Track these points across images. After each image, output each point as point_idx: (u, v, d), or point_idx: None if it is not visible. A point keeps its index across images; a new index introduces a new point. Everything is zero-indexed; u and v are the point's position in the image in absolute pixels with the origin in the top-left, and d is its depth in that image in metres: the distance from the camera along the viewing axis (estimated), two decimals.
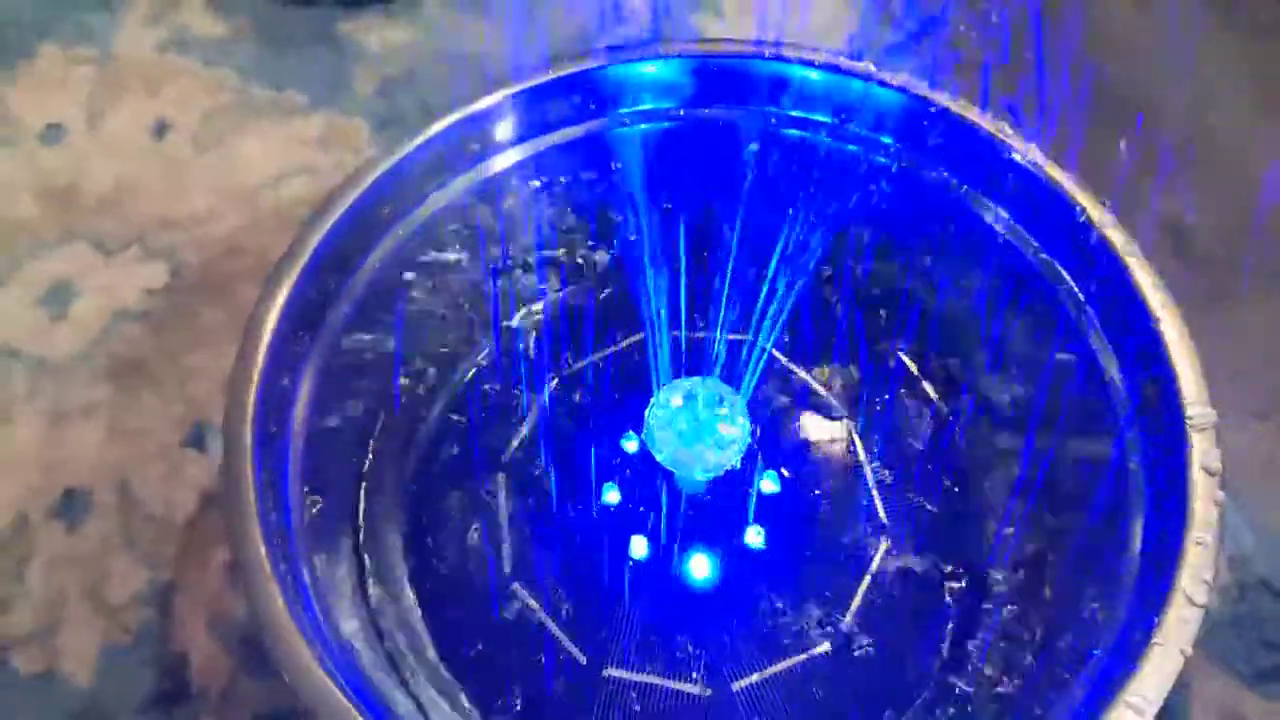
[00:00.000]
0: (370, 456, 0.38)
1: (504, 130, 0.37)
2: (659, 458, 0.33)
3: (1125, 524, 0.31)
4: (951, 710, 0.32)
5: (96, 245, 0.52)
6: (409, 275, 0.38)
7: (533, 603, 0.35)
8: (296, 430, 0.35)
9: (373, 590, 0.35)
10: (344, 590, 0.34)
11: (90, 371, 0.48)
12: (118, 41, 0.59)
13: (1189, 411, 0.29)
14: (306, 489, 0.35)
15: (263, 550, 0.29)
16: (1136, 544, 0.30)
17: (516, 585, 0.36)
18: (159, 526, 0.44)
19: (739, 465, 0.33)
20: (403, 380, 0.39)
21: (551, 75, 0.36)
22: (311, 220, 0.35)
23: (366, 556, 0.36)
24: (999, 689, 0.32)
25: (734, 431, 0.32)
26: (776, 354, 0.39)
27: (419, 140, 0.36)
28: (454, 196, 0.38)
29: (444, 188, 0.37)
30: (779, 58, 0.36)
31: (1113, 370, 0.32)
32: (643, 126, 0.38)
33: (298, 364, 0.35)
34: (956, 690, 0.33)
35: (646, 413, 0.33)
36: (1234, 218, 0.51)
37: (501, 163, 0.38)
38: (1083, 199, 0.32)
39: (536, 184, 0.39)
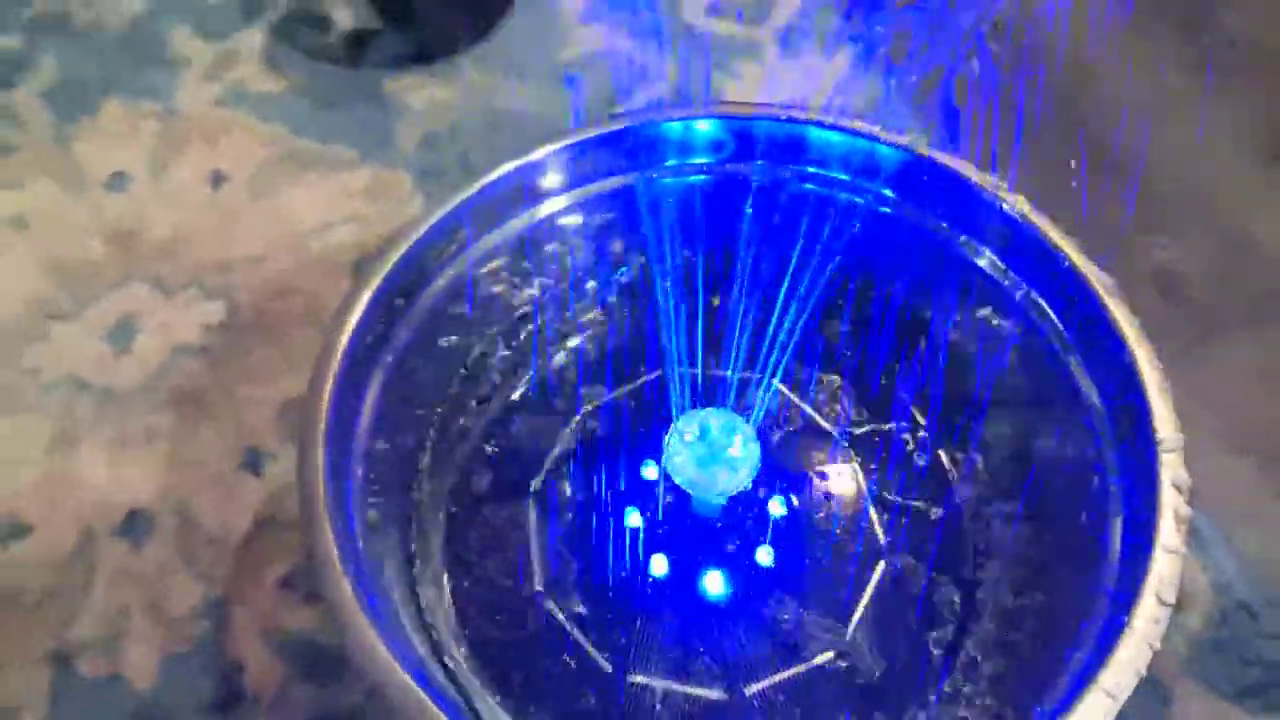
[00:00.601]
0: (418, 477, 0.41)
1: (547, 181, 0.41)
2: (677, 480, 0.36)
3: (1105, 538, 0.34)
4: (946, 712, 0.35)
5: (157, 285, 0.56)
6: (456, 311, 0.41)
7: (560, 614, 0.39)
8: (357, 449, 0.39)
9: (421, 593, 0.39)
10: (398, 592, 0.37)
11: (152, 402, 0.52)
12: (178, 97, 0.63)
13: (1160, 435, 0.32)
14: (366, 502, 0.38)
15: (334, 547, 0.32)
16: (1115, 556, 0.33)
17: (546, 599, 0.40)
18: (216, 546, 0.48)
19: (749, 487, 0.36)
20: (446, 409, 0.42)
21: (590, 133, 0.40)
22: (375, 257, 0.39)
23: (417, 563, 0.39)
24: (991, 690, 0.35)
25: (745, 456, 0.36)
26: (783, 389, 0.42)
27: (474, 188, 0.39)
28: (499, 242, 0.41)
29: (491, 233, 0.41)
30: (793, 120, 0.40)
31: (1094, 399, 0.35)
32: (668, 180, 0.42)
33: (360, 388, 0.39)
34: (950, 693, 0.36)
35: (665, 440, 0.37)
36: (1220, 263, 0.55)
37: (542, 211, 0.42)
38: (1065, 245, 0.36)
39: (573, 231, 0.42)
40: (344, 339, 0.37)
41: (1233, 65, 0.60)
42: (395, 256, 0.38)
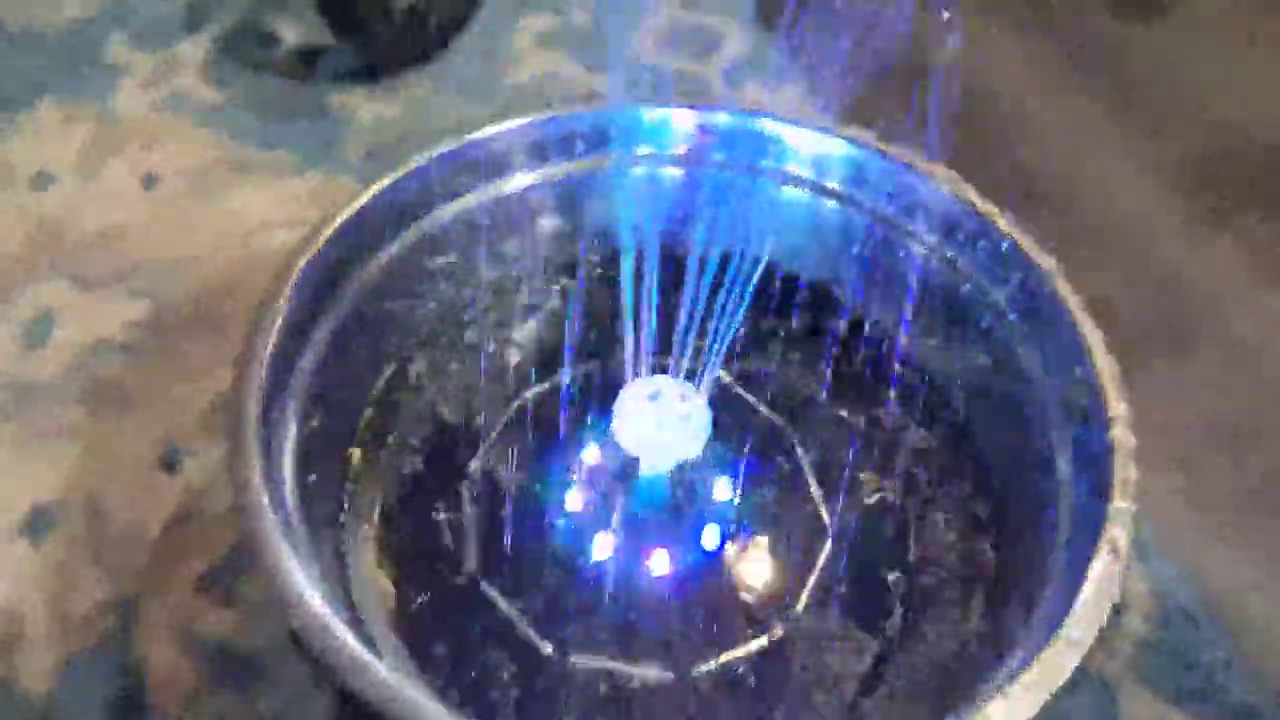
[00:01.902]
0: (351, 459, 0.40)
1: (487, 165, 0.41)
2: (625, 445, 0.35)
3: (1054, 515, 0.34)
4: (898, 682, 0.35)
5: (79, 282, 0.54)
6: (395, 291, 0.40)
7: (498, 598, 0.37)
8: (289, 425, 0.37)
9: (352, 578, 0.37)
10: (326, 579, 0.35)
11: (67, 397, 0.49)
12: (114, 101, 0.62)
13: (1111, 412, 0.33)
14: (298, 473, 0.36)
15: (265, 497, 0.31)
16: (1063, 536, 0.33)
17: (482, 582, 0.38)
18: (127, 544, 0.45)
19: (698, 454, 0.35)
20: (382, 390, 0.41)
21: (542, 115, 0.40)
22: (306, 239, 0.38)
23: (348, 550, 0.38)
24: (935, 673, 0.34)
25: (695, 417, 0.35)
26: (726, 376, 0.42)
27: (413, 165, 0.39)
28: (439, 224, 0.41)
29: (431, 213, 0.40)
30: (763, 114, 0.40)
31: (1042, 379, 0.36)
32: (617, 171, 0.42)
33: (290, 366, 0.37)
34: (903, 665, 0.35)
35: (615, 404, 0.36)
36: (1147, 294, 0.56)
37: (487, 194, 0.41)
38: (1011, 231, 0.37)
39: (516, 217, 0.42)
40: (274, 316, 0.36)
41: (1151, 105, 0.63)
42: (332, 227, 0.37)
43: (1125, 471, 0.31)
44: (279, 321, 0.36)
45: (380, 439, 0.41)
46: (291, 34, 0.66)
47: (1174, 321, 0.55)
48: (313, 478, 0.37)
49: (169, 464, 0.48)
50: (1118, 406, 0.32)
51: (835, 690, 0.35)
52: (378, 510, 0.40)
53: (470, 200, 0.41)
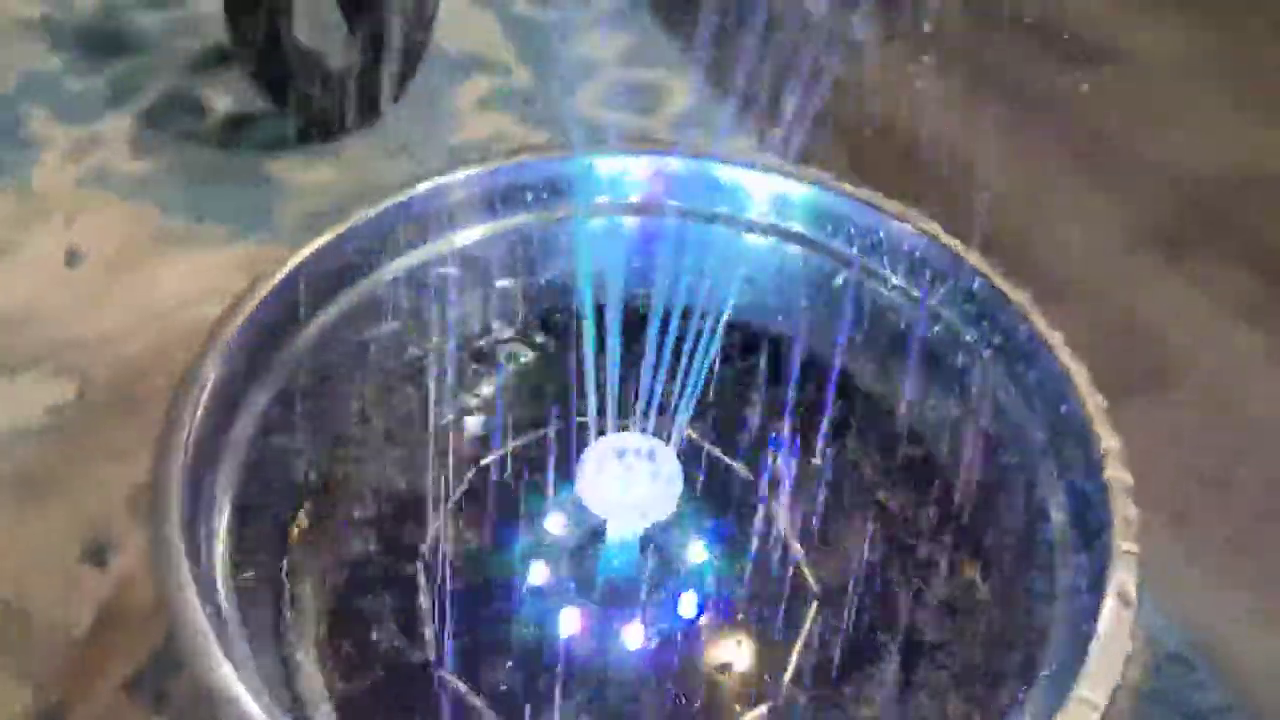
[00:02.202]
0: (289, 546, 0.37)
1: (434, 218, 0.39)
2: (592, 506, 0.33)
3: (1052, 568, 0.32)
4: None
5: None
6: (330, 361, 0.38)
7: (460, 685, 0.34)
8: (217, 517, 0.34)
9: (295, 677, 0.34)
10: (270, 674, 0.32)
11: None
12: (34, 176, 0.59)
13: (1103, 445, 0.31)
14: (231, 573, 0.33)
15: (191, 594, 0.28)
16: (1061, 583, 0.31)
17: (443, 673, 0.35)
18: (50, 645, 0.41)
19: (671, 513, 0.33)
20: (319, 472, 0.38)
21: (487, 166, 0.38)
22: (231, 307, 0.35)
23: (290, 643, 0.34)
24: None
25: (666, 474, 0.33)
26: (694, 435, 0.40)
27: (352, 221, 0.37)
28: (384, 282, 0.38)
29: (375, 272, 0.38)
30: (720, 158, 0.39)
31: (1029, 423, 0.34)
32: (571, 222, 0.40)
33: (217, 451, 0.35)
34: None
35: (579, 465, 0.33)
36: (1114, 341, 0.56)
37: (435, 250, 0.39)
38: (981, 266, 0.36)
39: (463, 275, 0.40)
40: (195, 392, 0.33)
41: (1102, 152, 0.63)
42: (261, 293, 0.35)
43: (1125, 510, 0.29)
44: (201, 398, 0.33)
45: (323, 518, 0.38)
46: (222, 103, 0.64)
47: (1144, 366, 0.54)
48: (247, 569, 0.34)
49: (96, 555, 0.44)
50: (1110, 442, 0.31)
51: None
52: (322, 596, 0.37)
53: (415, 257, 0.38)
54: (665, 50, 0.67)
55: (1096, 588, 0.28)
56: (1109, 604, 0.27)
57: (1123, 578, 0.28)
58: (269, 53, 0.59)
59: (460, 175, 0.38)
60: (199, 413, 0.33)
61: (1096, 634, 0.27)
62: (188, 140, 0.61)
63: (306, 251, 0.36)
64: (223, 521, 0.34)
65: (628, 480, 0.33)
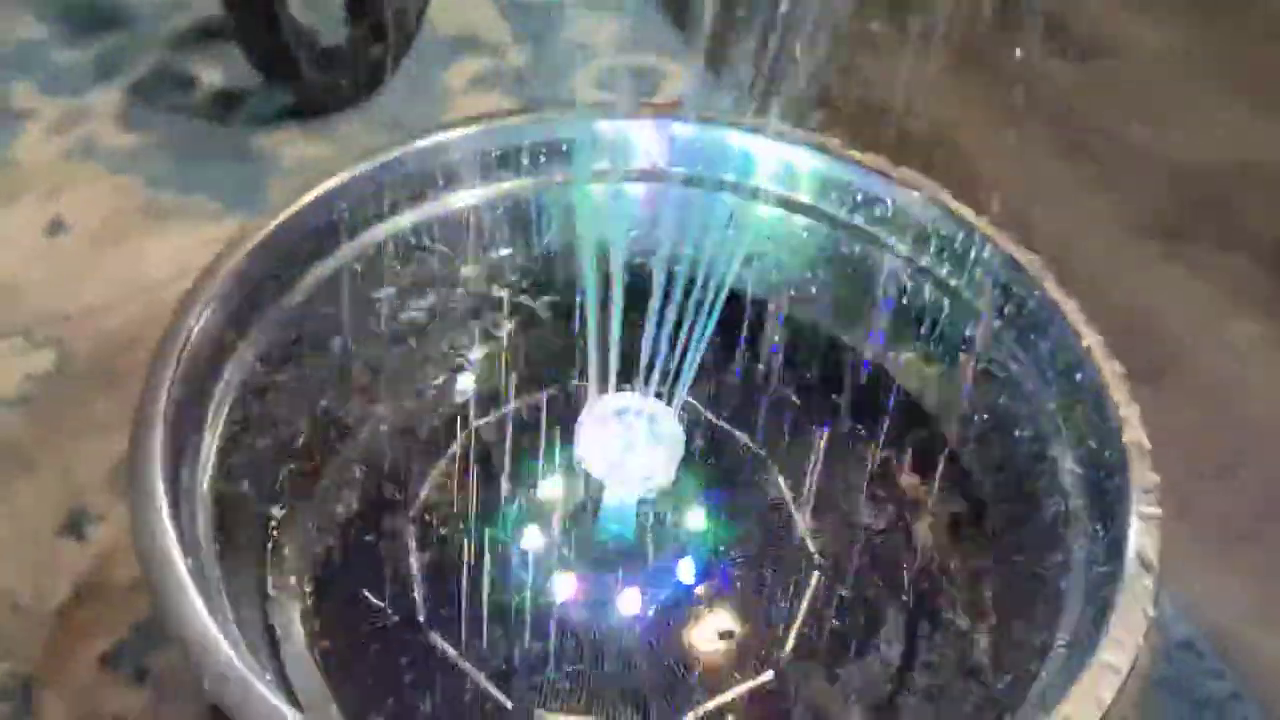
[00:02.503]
0: (278, 508, 0.36)
1: (428, 176, 0.37)
2: (590, 470, 0.32)
3: (1063, 539, 0.31)
4: None
5: None
6: (325, 316, 0.37)
7: (450, 649, 0.33)
8: (203, 474, 0.33)
9: (284, 648, 0.32)
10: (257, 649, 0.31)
11: None
12: (18, 148, 0.58)
13: (1124, 413, 0.30)
14: (215, 538, 0.32)
15: (176, 558, 0.26)
16: (1076, 553, 0.30)
17: (431, 632, 0.34)
18: (26, 617, 0.40)
19: (671, 479, 0.32)
20: (309, 433, 0.37)
21: (489, 123, 0.37)
22: (210, 266, 0.34)
23: (276, 614, 0.33)
24: (957, 694, 0.31)
25: (667, 437, 0.32)
26: (694, 403, 0.38)
27: (344, 175, 0.36)
28: (376, 242, 0.37)
29: (367, 231, 0.37)
30: (738, 125, 0.37)
31: (1044, 398, 0.33)
32: (573, 186, 0.39)
33: (202, 408, 0.34)
34: (909, 705, 0.31)
35: (577, 425, 0.32)
36: (1116, 333, 0.55)
37: (430, 210, 0.38)
38: (992, 233, 0.35)
39: (460, 234, 0.39)
40: (172, 357, 0.32)
41: (1097, 143, 0.62)
42: (245, 249, 0.34)
43: (1144, 475, 0.28)
44: (181, 357, 0.32)
45: (311, 481, 0.37)
46: (212, 77, 0.62)
47: (1146, 357, 0.53)
48: (233, 532, 0.33)
49: (75, 529, 0.43)
50: (1127, 408, 0.30)
51: None
52: (311, 560, 0.35)
53: (409, 218, 0.37)
54: (663, 35, 0.66)
55: (1116, 554, 0.27)
56: (1130, 568, 0.26)
57: (1143, 542, 0.27)
58: (263, 27, 0.57)
59: (456, 134, 0.37)
60: (180, 373, 0.32)
61: (1117, 599, 0.26)
62: (177, 114, 0.60)
63: (293, 208, 0.35)
64: (206, 484, 0.33)
65: (627, 442, 0.32)
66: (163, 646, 0.39)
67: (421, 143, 0.36)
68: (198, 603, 0.27)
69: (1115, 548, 0.28)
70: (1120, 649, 0.25)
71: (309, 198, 0.35)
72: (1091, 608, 0.27)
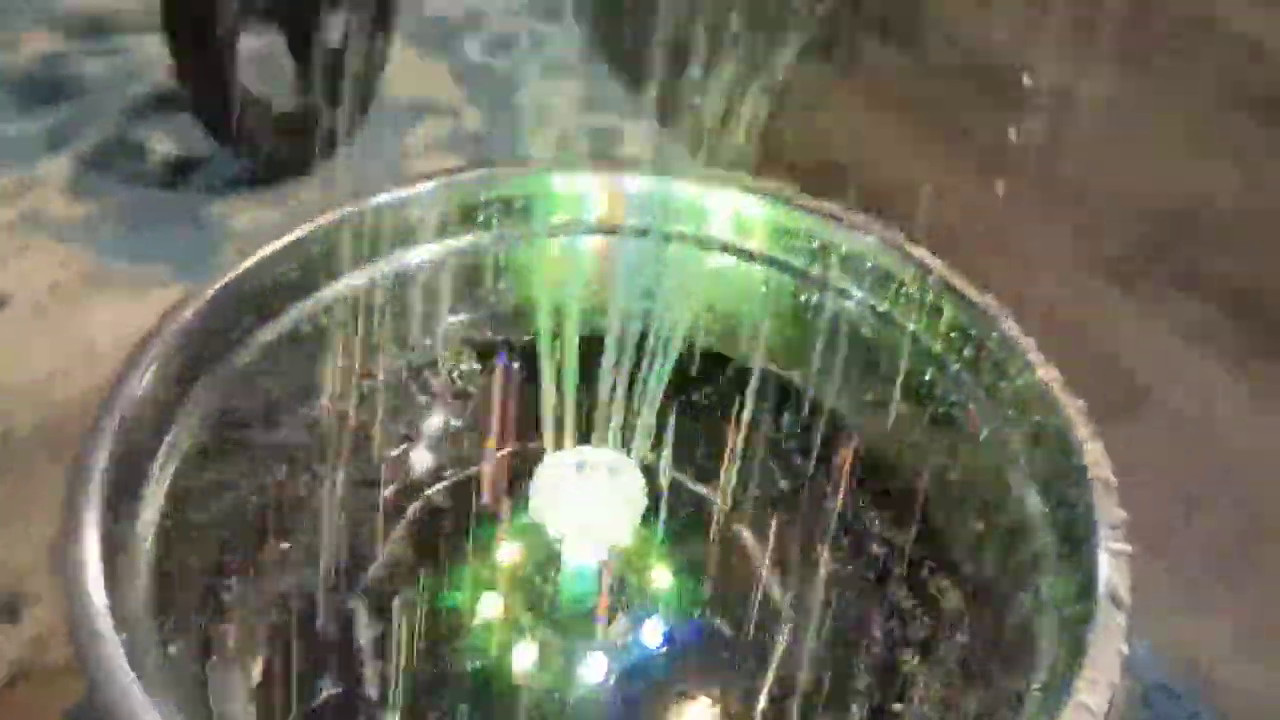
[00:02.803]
0: (218, 588, 0.34)
1: (389, 235, 0.37)
2: (548, 526, 0.31)
3: (1036, 582, 0.30)
4: None
5: None
6: (272, 383, 0.36)
7: None
8: (141, 549, 0.31)
9: None
10: None
11: None
12: None
13: (1088, 452, 0.30)
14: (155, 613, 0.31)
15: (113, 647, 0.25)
16: (1044, 593, 0.29)
17: (387, 714, 0.32)
18: None
19: (635, 531, 0.31)
20: (261, 499, 0.36)
21: (447, 179, 0.37)
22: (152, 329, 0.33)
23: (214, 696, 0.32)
24: None
25: (630, 489, 0.31)
26: (652, 459, 0.37)
27: (280, 243, 0.35)
28: (327, 302, 0.36)
29: (318, 291, 0.36)
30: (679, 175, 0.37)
31: (1008, 435, 0.33)
32: (520, 242, 0.39)
33: (142, 482, 0.32)
34: None
35: (534, 480, 0.31)
36: (1078, 372, 0.55)
37: (382, 269, 0.37)
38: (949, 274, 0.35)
39: (419, 294, 0.38)
40: (106, 431, 0.31)
41: (1047, 181, 0.63)
42: (190, 310, 0.33)
43: (1112, 513, 0.28)
44: (117, 428, 0.31)
45: (256, 559, 0.35)
46: (164, 147, 0.62)
47: (1108, 394, 0.53)
48: (172, 611, 0.31)
49: (11, 611, 0.41)
50: (1092, 444, 0.29)
51: None
52: (256, 637, 0.34)
53: (361, 276, 0.36)
54: (618, 96, 0.67)
55: (1086, 593, 0.27)
56: (1102, 605, 0.26)
57: (1114, 579, 0.26)
58: (215, 95, 0.57)
59: (410, 191, 0.37)
60: (118, 440, 0.30)
61: (1089, 637, 0.25)
62: (128, 184, 0.60)
63: (241, 267, 0.34)
64: (145, 560, 0.31)
65: (586, 496, 0.31)
66: None
67: (374, 201, 0.36)
68: (133, 685, 0.25)
69: (1085, 586, 0.27)
70: (1095, 689, 0.24)
71: (259, 256, 0.34)
72: (1064, 650, 0.26)
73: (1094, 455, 0.29)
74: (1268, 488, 0.49)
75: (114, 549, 0.29)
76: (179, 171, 0.61)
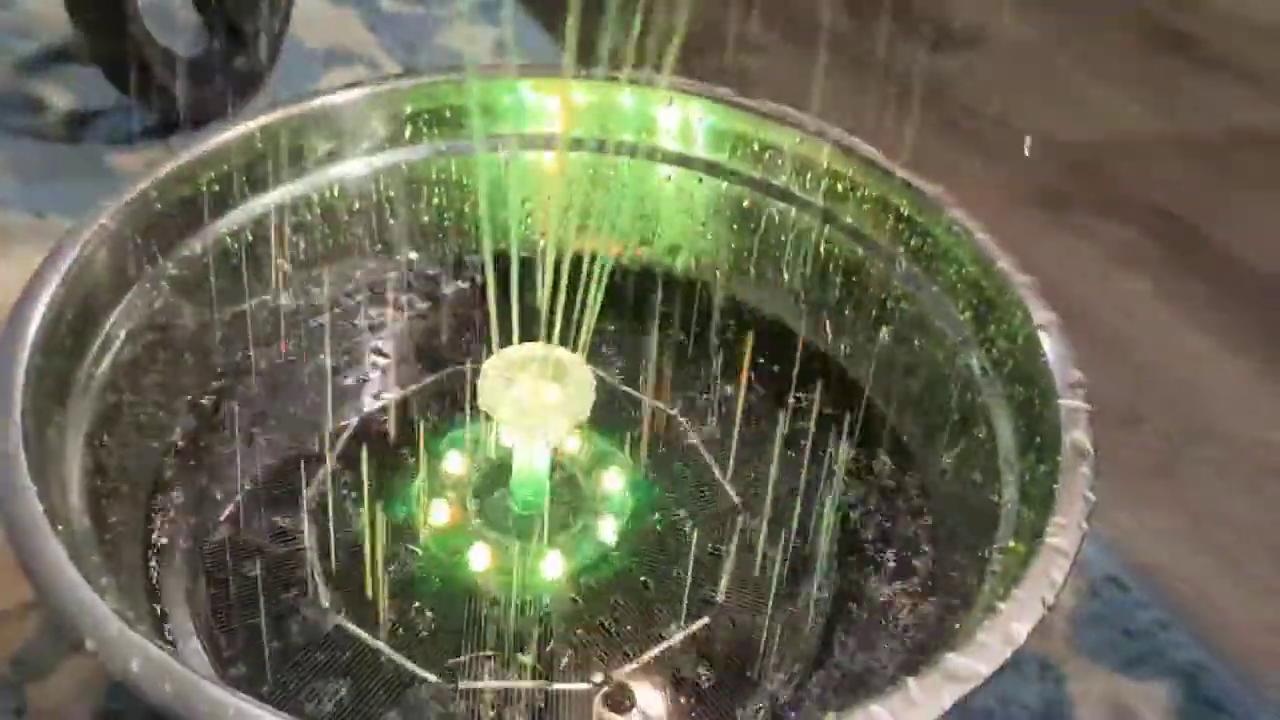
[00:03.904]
0: (158, 500, 0.32)
1: (309, 141, 0.35)
2: (498, 418, 0.30)
3: (992, 457, 0.30)
4: (852, 647, 0.30)
5: None
6: (205, 296, 0.34)
7: (362, 632, 0.30)
8: (72, 468, 0.29)
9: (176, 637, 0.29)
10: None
11: None
12: None
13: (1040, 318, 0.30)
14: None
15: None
16: (1009, 489, 0.29)
17: (339, 616, 0.31)
18: None
19: (585, 419, 0.30)
20: (200, 413, 0.34)
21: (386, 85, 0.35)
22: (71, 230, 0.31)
23: (160, 607, 0.30)
24: (868, 646, 0.30)
25: (576, 379, 0.30)
26: (597, 371, 0.37)
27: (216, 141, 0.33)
28: (256, 215, 0.35)
29: (246, 202, 0.34)
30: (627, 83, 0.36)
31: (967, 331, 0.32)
32: (474, 154, 0.37)
33: (70, 396, 0.30)
34: (853, 630, 0.30)
35: (481, 375, 0.30)
36: None
37: (315, 181, 0.36)
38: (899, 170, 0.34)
39: (348, 206, 0.36)
40: (37, 329, 0.29)
41: (983, 133, 0.64)
42: (114, 214, 0.31)
43: (1067, 373, 0.28)
44: (36, 333, 0.29)
45: (197, 468, 0.34)
46: (62, 100, 0.59)
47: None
48: (111, 521, 0.29)
49: None
50: (1045, 314, 0.29)
51: (780, 672, 0.30)
52: (201, 551, 0.32)
53: (291, 190, 0.35)
54: (538, 41, 0.66)
55: (1051, 447, 0.27)
56: (1066, 457, 0.26)
57: (1075, 431, 0.26)
58: (114, 42, 0.54)
59: (341, 98, 0.35)
60: (40, 348, 0.28)
61: (1057, 487, 0.25)
62: (26, 137, 0.56)
63: (160, 172, 0.32)
64: (76, 477, 0.29)
65: (534, 386, 0.30)
66: (39, 677, 0.35)
67: (301, 108, 0.34)
68: (72, 571, 0.23)
69: (1049, 442, 0.27)
70: (1066, 533, 0.24)
71: (179, 161, 0.32)
72: (1032, 502, 0.26)
73: (1044, 322, 0.29)
74: (1194, 393, 0.50)
75: (44, 465, 0.27)
76: (78, 124, 0.58)
